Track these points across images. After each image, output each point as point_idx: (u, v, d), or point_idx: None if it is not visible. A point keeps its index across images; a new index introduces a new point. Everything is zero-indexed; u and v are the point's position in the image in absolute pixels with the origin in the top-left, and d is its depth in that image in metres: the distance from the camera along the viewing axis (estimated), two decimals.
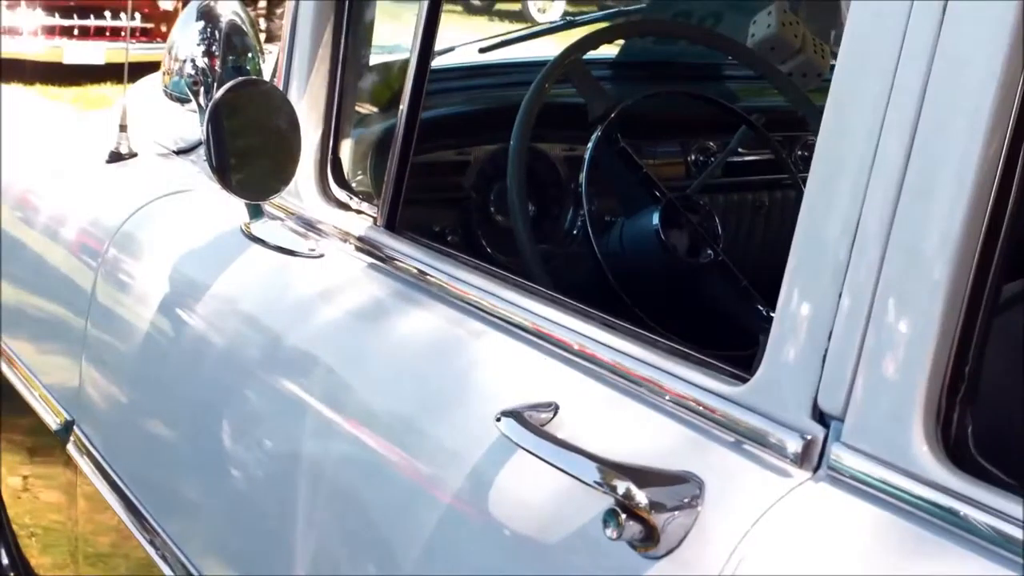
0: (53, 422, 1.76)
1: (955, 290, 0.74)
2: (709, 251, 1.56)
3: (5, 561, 2.62)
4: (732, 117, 1.79)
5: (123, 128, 1.81)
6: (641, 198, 1.57)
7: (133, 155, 1.83)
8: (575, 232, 1.75)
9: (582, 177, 1.53)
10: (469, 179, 1.77)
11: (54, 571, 2.00)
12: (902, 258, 0.77)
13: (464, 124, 1.86)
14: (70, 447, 1.70)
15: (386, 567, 1.08)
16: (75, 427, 1.70)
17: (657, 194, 1.57)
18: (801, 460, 0.82)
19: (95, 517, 1.75)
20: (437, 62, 1.92)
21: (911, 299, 0.76)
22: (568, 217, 1.77)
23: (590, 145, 1.55)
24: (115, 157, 1.82)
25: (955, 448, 0.76)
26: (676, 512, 0.83)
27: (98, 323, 1.65)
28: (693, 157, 1.94)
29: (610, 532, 0.82)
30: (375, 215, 1.32)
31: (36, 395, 1.83)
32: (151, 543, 1.46)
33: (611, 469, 0.85)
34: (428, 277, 1.20)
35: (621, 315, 1.03)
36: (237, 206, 1.40)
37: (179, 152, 1.81)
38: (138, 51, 6.54)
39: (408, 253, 1.24)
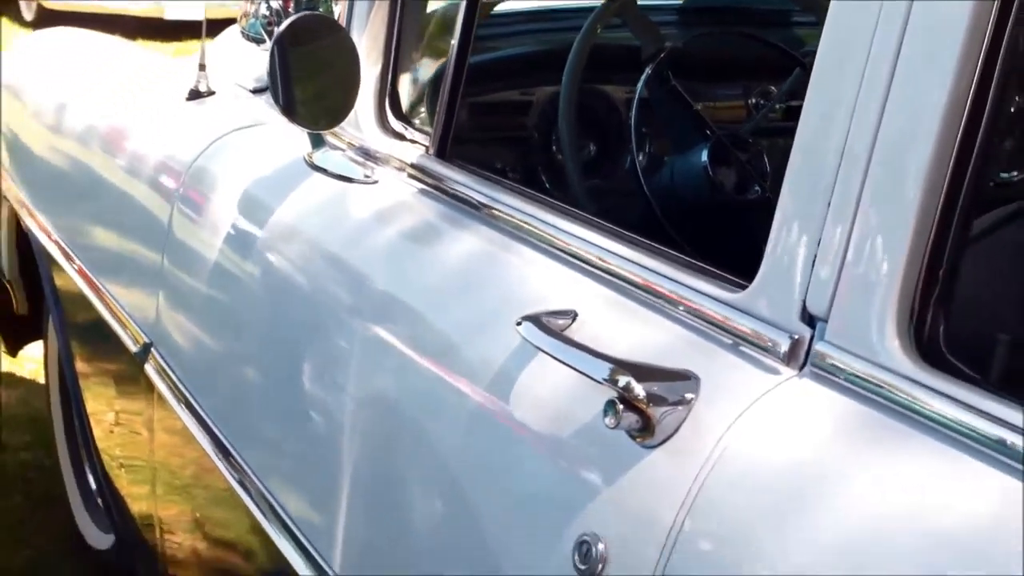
0: (132, 345, 1.88)
1: (927, 207, 0.80)
2: (757, 187, 1.62)
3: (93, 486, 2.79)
4: (790, 61, 1.84)
5: (202, 67, 1.91)
6: (691, 136, 1.63)
7: (211, 93, 1.94)
8: (628, 169, 1.81)
9: (632, 114, 1.59)
10: (532, 119, 1.85)
11: (139, 500, 2.13)
12: (882, 177, 0.83)
13: (528, 66, 1.93)
14: (148, 368, 1.82)
15: (434, 477, 1.16)
16: (153, 349, 1.82)
17: (707, 132, 1.62)
18: (788, 358, 0.89)
19: (172, 442, 1.86)
20: (504, 6, 2.00)
21: (889, 214, 0.82)
22: (624, 156, 1.84)
23: (640, 83, 1.61)
24: (194, 95, 1.93)
25: (926, 346, 0.82)
26: (672, 405, 0.90)
27: (174, 252, 1.76)
28: (754, 100, 1.98)
29: (608, 421, 0.90)
30: (428, 144, 1.40)
31: (118, 321, 1.96)
32: (231, 469, 1.55)
33: (615, 365, 0.92)
34: (474, 201, 1.28)
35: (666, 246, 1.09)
36: (301, 138, 1.49)
37: (254, 92, 1.91)
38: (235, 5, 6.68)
39: (456, 179, 1.32)
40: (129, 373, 1.95)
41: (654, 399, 0.90)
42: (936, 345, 0.82)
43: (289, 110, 1.40)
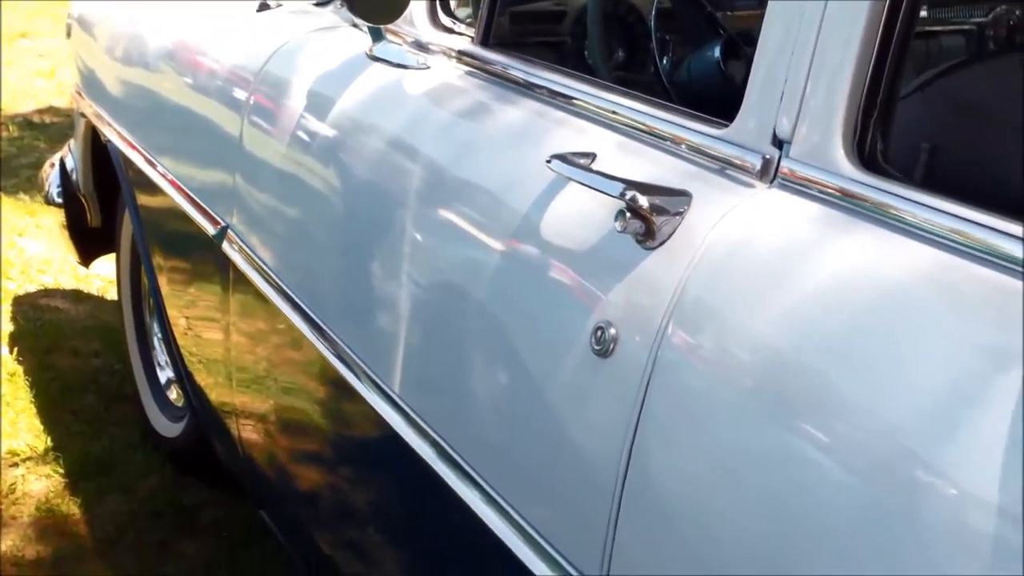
0: (211, 228, 2.11)
1: (864, 55, 1.02)
2: None
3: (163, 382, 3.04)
4: None
5: None
6: (705, 35, 1.84)
7: (279, 5, 2.16)
8: (652, 73, 2.02)
9: (652, 14, 1.80)
10: (565, 27, 2.06)
11: (217, 389, 2.36)
12: (830, 34, 1.04)
13: None
14: (225, 247, 2.06)
15: (486, 300, 1.36)
16: (229, 230, 2.06)
17: (720, 31, 1.83)
18: (761, 175, 1.11)
19: (248, 328, 2.09)
20: None
21: (836, 61, 1.04)
22: (648, 61, 2.05)
23: None
24: (263, 7, 2.15)
25: (867, 157, 1.04)
26: (669, 215, 1.13)
27: (249, 145, 2.00)
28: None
29: (618, 225, 1.12)
30: (473, 35, 1.62)
31: (196, 208, 2.20)
32: (323, 340, 1.73)
33: (625, 184, 1.14)
34: (512, 78, 1.51)
35: None
36: (362, 39, 1.72)
37: (319, 4, 2.14)
38: None
39: (497, 61, 1.55)
40: (206, 258, 2.18)
41: (655, 209, 1.12)
42: (875, 156, 1.04)
43: (353, 6, 1.63)
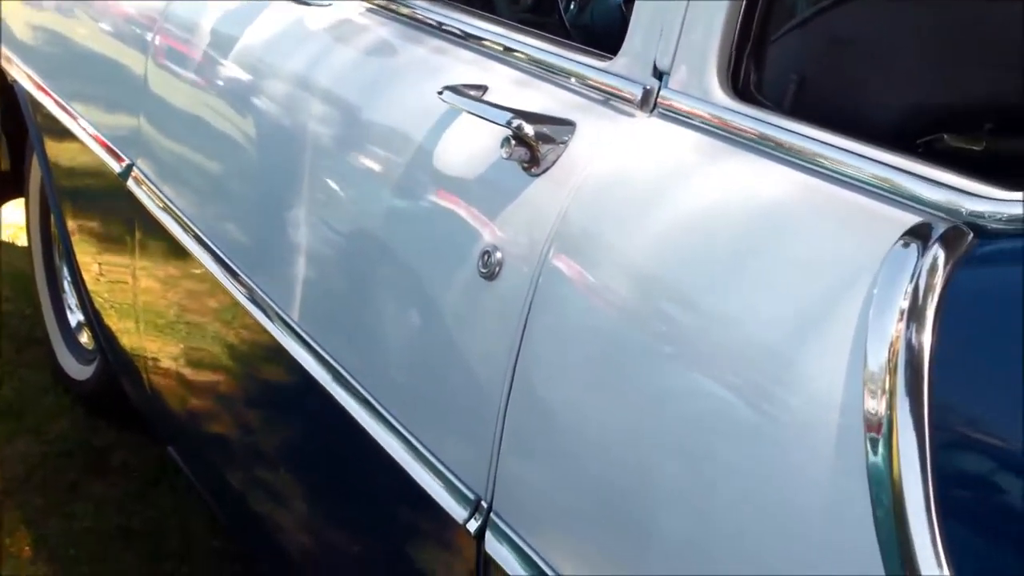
0: (116, 167, 2.12)
1: None
2: None
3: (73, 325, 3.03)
4: None
5: None
6: None
7: None
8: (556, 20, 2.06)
9: None
10: None
11: (124, 330, 2.37)
12: None
13: None
14: (130, 184, 2.07)
15: (387, 229, 1.40)
16: (134, 168, 2.07)
17: None
18: (642, 105, 1.15)
19: (154, 267, 2.11)
20: None
21: None
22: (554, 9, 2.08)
23: None
24: None
25: (740, 87, 1.08)
26: (553, 143, 1.17)
27: (153, 83, 2.00)
28: None
29: (503, 153, 1.16)
30: None
31: (102, 147, 2.20)
32: (230, 277, 1.75)
33: (512, 113, 1.18)
34: (415, 16, 1.53)
35: None
36: None
37: None
38: None
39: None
40: (113, 199, 2.19)
41: (540, 137, 1.16)
42: (748, 87, 1.09)
43: None
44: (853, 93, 1.11)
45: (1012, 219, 0.84)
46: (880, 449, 0.79)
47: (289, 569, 1.77)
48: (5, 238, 3.97)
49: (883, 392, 0.80)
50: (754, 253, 0.99)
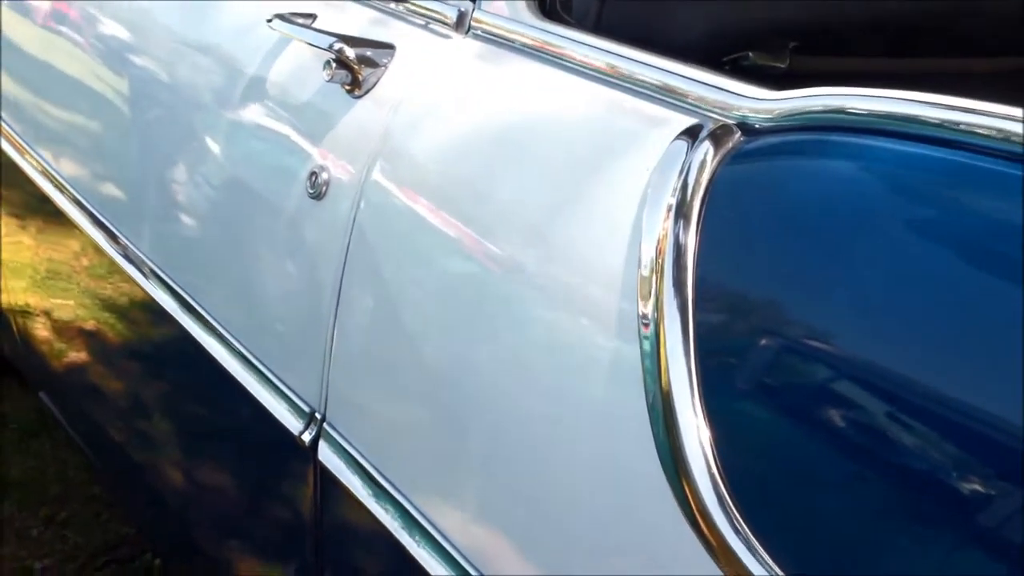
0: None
1: None
2: None
3: None
4: None
5: None
6: None
7: None
8: None
9: None
10: None
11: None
12: None
13: None
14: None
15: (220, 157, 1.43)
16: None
17: None
18: (457, 26, 1.19)
19: (19, 213, 2.11)
20: None
21: None
22: None
23: None
24: None
25: (550, 8, 1.13)
26: (373, 65, 1.21)
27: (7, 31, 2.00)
28: None
29: (325, 75, 1.20)
30: None
31: None
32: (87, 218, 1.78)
33: (335, 38, 1.21)
34: None
35: None
36: None
37: None
38: None
39: None
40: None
41: (362, 60, 1.20)
42: (555, 6, 1.13)
43: None
44: (658, 13, 1.16)
45: (775, 116, 0.89)
46: (650, 335, 0.85)
47: (154, 504, 1.81)
48: None
49: (653, 279, 0.85)
50: (551, 160, 1.03)
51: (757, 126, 0.90)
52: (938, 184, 0.77)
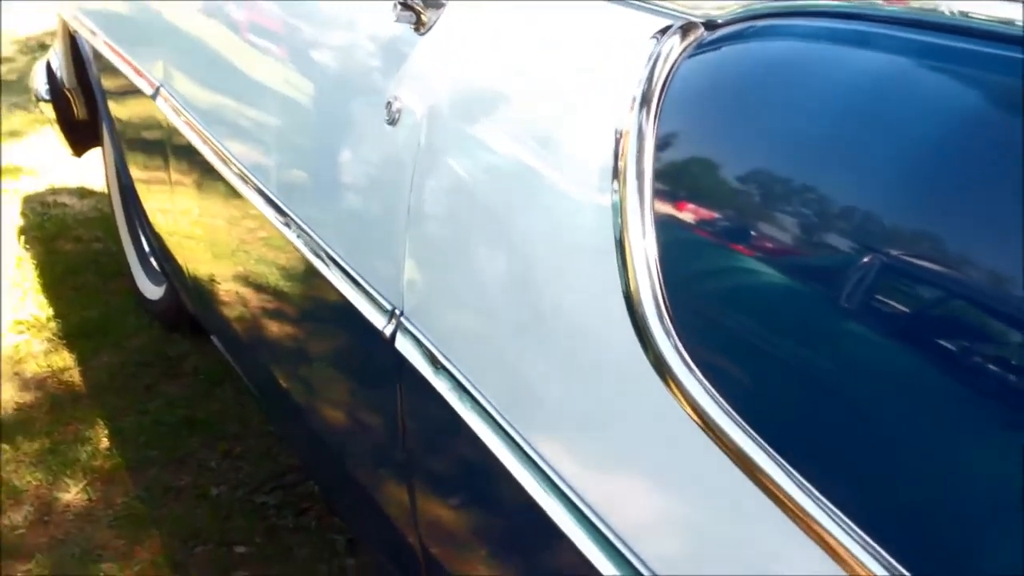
0: (148, 89, 2.41)
1: None
2: None
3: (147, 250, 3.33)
4: None
5: None
6: None
7: None
8: None
9: None
10: None
11: (168, 244, 2.65)
12: None
13: None
14: (158, 103, 2.35)
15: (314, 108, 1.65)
16: (162, 88, 2.35)
17: None
18: None
19: (185, 179, 2.38)
20: None
21: None
22: None
23: None
24: None
25: None
26: (436, 7, 1.39)
27: (174, 18, 2.28)
28: None
29: (393, 16, 1.40)
30: None
31: (134, 73, 2.49)
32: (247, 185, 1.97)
33: None
34: None
35: None
36: None
37: None
38: None
39: None
40: (148, 119, 2.48)
41: (426, 2, 1.40)
42: None
43: None
44: None
45: (734, 11, 1.03)
46: (617, 197, 1.01)
47: (306, 435, 2.01)
48: (98, 189, 4.33)
49: (621, 156, 1.01)
50: (557, 72, 1.20)
51: (720, 21, 1.04)
52: (866, 53, 0.90)
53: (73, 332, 3.31)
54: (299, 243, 1.70)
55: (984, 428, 0.71)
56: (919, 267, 0.76)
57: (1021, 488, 0.67)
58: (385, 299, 1.44)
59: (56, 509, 2.55)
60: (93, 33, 2.90)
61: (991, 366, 0.70)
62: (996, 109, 0.78)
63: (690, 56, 1.03)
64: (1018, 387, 0.69)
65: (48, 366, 3.14)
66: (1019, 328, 0.69)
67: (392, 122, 1.42)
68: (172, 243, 2.61)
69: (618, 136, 1.03)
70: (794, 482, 0.80)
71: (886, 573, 0.73)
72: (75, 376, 3.10)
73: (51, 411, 2.93)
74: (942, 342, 0.74)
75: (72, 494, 2.60)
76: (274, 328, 2.04)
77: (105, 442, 2.79)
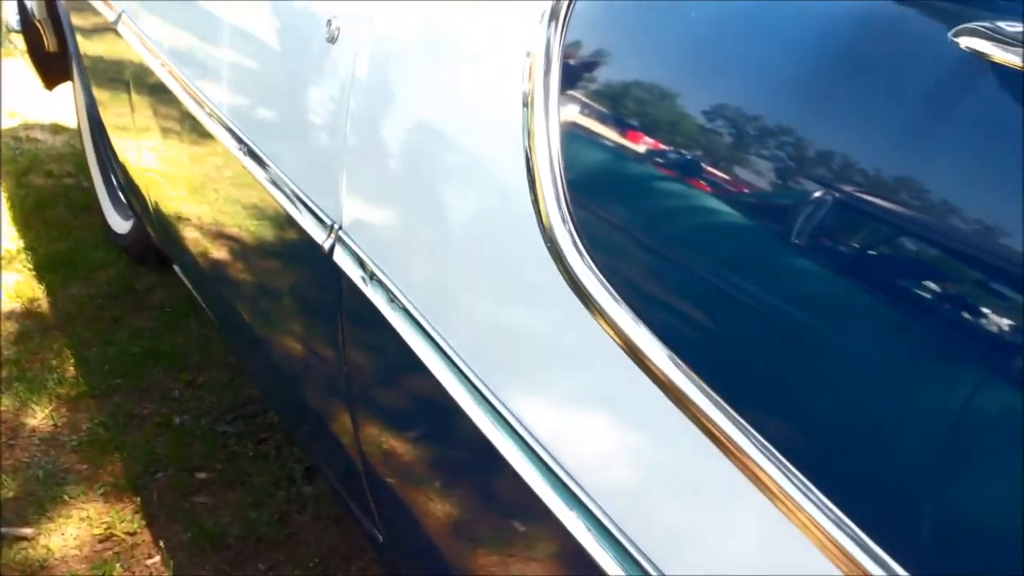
0: (111, 15, 2.41)
1: None
2: None
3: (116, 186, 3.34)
4: None
5: None
6: None
7: None
8: None
9: None
10: None
11: (134, 179, 2.67)
12: None
13: None
14: (120, 29, 2.36)
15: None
16: (124, 15, 2.36)
17: None
18: None
19: (147, 114, 2.39)
20: None
21: None
22: None
23: None
24: None
25: None
26: None
27: None
28: None
29: None
30: None
31: (101, 2, 2.50)
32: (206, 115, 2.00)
33: None
34: None
35: None
36: None
37: None
38: None
39: None
40: (110, 47, 2.48)
41: None
42: None
43: None
44: None
45: None
46: (527, 111, 1.03)
47: (262, 365, 2.04)
48: (72, 126, 4.33)
49: (532, 68, 1.04)
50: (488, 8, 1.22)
51: None
52: None
53: (43, 264, 3.33)
54: (251, 166, 1.72)
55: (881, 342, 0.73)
56: (798, 172, 0.78)
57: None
58: (325, 214, 1.47)
59: (22, 434, 2.58)
60: None
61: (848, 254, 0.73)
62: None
63: None
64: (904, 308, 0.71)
65: (17, 296, 3.16)
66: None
67: (332, 40, 1.44)
68: (136, 175, 2.63)
69: (528, 53, 1.05)
70: (672, 362, 0.83)
71: (799, 486, 0.74)
72: (44, 307, 3.12)
73: (19, 340, 2.96)
74: (822, 240, 0.77)
75: (38, 419, 2.63)
76: (227, 255, 2.06)
77: (71, 371, 2.82)
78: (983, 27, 0.63)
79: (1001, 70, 0.64)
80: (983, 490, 0.63)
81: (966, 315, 0.64)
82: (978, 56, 0.64)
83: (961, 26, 0.65)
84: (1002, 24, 0.63)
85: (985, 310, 0.63)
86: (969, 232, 0.66)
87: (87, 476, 2.43)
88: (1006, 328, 0.62)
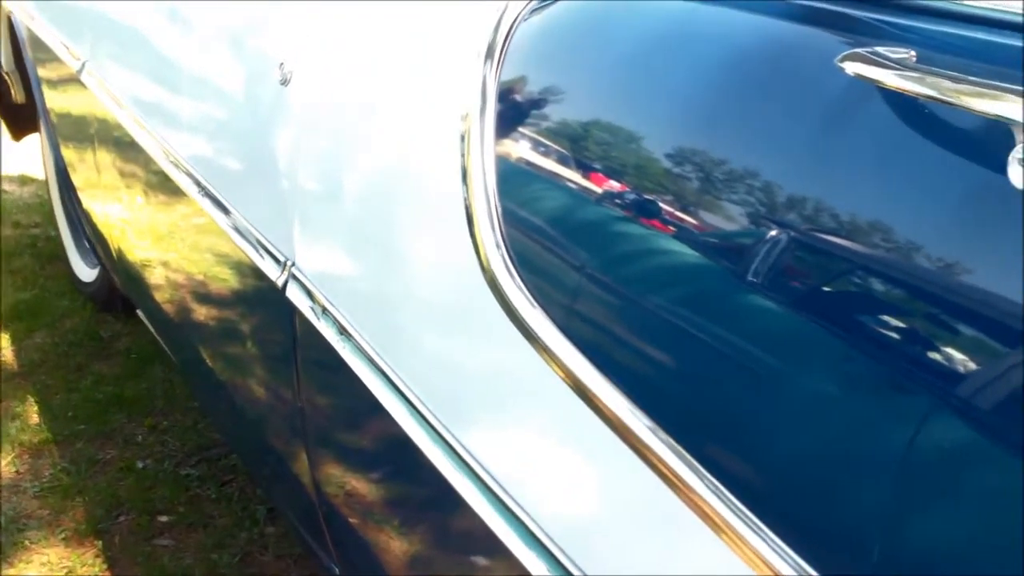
0: (76, 65, 2.46)
1: None
2: None
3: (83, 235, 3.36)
4: None
5: None
6: None
7: None
8: None
9: None
10: None
11: (99, 224, 2.70)
12: None
13: None
14: (84, 78, 2.40)
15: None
16: (87, 64, 2.40)
17: None
18: None
19: (108, 156, 2.43)
20: None
21: None
22: None
23: None
24: None
25: None
26: None
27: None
28: None
29: None
30: None
31: (64, 50, 2.54)
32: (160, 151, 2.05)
33: None
34: None
35: None
36: None
37: None
38: None
39: None
40: (76, 97, 2.52)
41: None
42: None
43: None
44: None
45: None
46: (465, 133, 1.08)
47: (224, 406, 2.07)
48: (40, 177, 4.36)
49: (467, 112, 1.09)
50: (429, 37, 1.27)
51: None
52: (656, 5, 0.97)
53: (8, 313, 3.35)
54: (210, 210, 1.75)
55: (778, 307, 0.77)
56: (730, 188, 0.83)
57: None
58: (280, 251, 1.51)
59: None
60: (31, 17, 2.94)
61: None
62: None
63: (531, 14, 1.10)
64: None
65: None
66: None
67: (284, 82, 1.48)
68: (99, 220, 2.66)
69: (465, 90, 1.10)
70: (614, 393, 0.87)
71: (746, 520, 0.75)
72: (8, 356, 3.14)
73: None
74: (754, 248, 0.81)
75: (0, 467, 2.64)
76: (188, 298, 2.09)
77: (35, 418, 2.83)
78: (867, 53, 0.68)
79: (886, 93, 0.69)
80: (929, 525, 0.64)
81: (874, 344, 0.66)
82: (863, 80, 0.69)
83: (847, 52, 0.70)
84: (882, 50, 0.68)
85: (896, 325, 0.66)
86: (871, 252, 0.69)
87: (48, 521, 2.44)
88: (930, 356, 0.63)
